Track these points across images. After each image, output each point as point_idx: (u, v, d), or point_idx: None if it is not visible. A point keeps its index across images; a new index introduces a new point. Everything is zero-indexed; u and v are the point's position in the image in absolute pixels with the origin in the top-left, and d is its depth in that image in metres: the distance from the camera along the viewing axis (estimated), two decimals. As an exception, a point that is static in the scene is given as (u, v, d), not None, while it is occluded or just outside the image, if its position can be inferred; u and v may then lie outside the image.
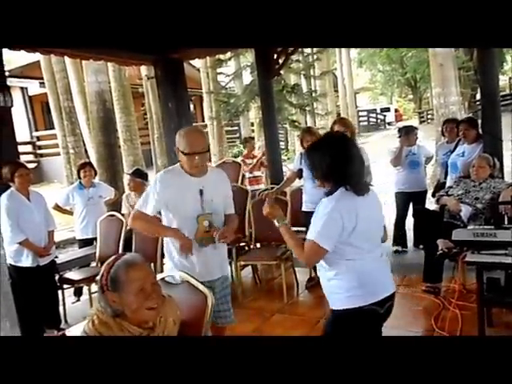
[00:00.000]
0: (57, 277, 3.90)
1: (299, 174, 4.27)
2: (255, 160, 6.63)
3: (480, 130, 4.18)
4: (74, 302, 4.33)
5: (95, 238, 4.41)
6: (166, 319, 1.59)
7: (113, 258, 1.56)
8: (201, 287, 1.82)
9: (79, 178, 4.59)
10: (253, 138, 8.23)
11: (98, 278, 1.55)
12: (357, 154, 1.84)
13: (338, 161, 1.77)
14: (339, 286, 1.84)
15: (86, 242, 4.54)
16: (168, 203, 2.30)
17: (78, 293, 4.42)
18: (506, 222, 3.10)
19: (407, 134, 4.76)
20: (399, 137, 4.77)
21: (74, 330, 2.00)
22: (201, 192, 2.29)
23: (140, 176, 4.63)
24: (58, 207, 4.59)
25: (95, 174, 4.74)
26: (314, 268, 4.14)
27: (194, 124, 6.59)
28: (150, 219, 2.33)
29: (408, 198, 4.84)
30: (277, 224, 1.96)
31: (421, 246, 4.41)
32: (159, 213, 2.39)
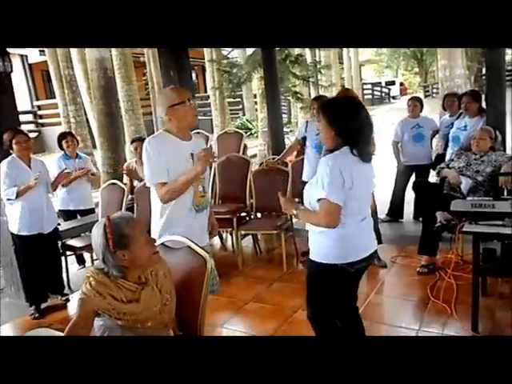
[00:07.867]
0: (59, 243, 3.95)
1: (303, 141, 4.23)
2: None
3: (483, 104, 4.14)
4: (79, 269, 4.40)
5: (78, 211, 4.42)
6: (157, 273, 1.73)
7: (104, 220, 1.61)
8: (200, 251, 1.85)
9: (61, 149, 4.41)
10: None
11: (99, 244, 1.59)
12: (369, 121, 1.96)
13: (354, 121, 1.87)
14: (322, 241, 1.98)
15: (68, 214, 4.43)
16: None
17: (81, 260, 4.48)
18: (505, 195, 3.12)
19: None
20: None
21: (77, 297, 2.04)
22: (192, 156, 2.26)
23: None
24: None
25: (77, 143, 4.55)
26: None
27: (196, 95, 6.50)
28: (171, 183, 2.21)
29: (410, 171, 4.82)
30: (294, 212, 2.04)
31: (420, 219, 4.43)
32: None
